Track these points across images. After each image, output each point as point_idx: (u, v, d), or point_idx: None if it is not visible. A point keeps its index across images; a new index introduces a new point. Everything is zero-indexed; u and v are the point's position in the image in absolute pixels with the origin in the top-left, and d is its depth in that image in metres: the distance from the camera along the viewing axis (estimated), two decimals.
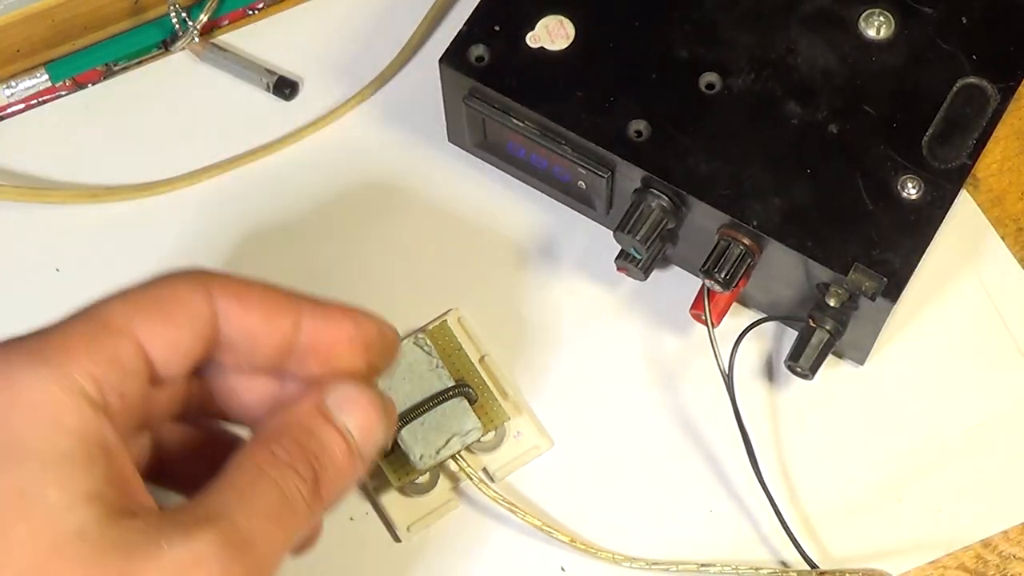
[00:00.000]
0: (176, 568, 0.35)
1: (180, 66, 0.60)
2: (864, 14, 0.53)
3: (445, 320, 0.54)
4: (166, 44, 0.60)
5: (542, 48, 0.53)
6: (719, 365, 0.51)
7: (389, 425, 0.42)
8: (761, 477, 0.51)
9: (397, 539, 0.52)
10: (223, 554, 0.36)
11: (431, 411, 0.51)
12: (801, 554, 0.50)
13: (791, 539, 0.51)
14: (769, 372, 0.54)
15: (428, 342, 0.52)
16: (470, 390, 0.52)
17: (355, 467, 0.41)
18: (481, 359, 0.54)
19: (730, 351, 0.51)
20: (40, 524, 0.35)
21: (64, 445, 0.36)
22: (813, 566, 0.50)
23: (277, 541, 0.38)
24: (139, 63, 0.60)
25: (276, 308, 0.41)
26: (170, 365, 0.40)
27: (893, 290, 0.49)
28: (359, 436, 0.41)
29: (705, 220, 0.51)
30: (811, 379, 0.51)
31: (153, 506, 0.38)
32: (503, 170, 0.57)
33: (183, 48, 0.60)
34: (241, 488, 0.38)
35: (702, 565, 0.51)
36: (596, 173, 0.52)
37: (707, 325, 0.51)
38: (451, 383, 0.52)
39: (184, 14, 0.59)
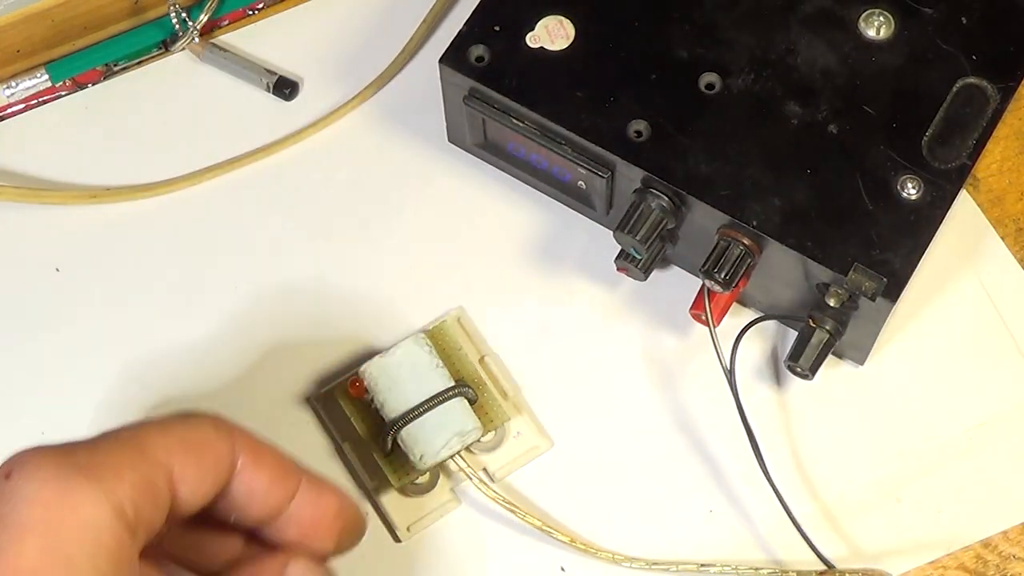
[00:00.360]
0: None
1: (180, 66, 0.60)
2: (864, 14, 0.53)
3: (445, 320, 0.54)
4: (166, 44, 0.60)
5: (542, 48, 0.53)
6: (721, 363, 0.51)
7: None
8: (768, 474, 0.50)
9: (397, 539, 0.52)
10: None
11: (431, 411, 0.51)
12: (815, 552, 0.50)
13: (803, 536, 0.50)
14: (769, 373, 0.54)
15: (428, 342, 0.52)
16: (470, 390, 0.52)
17: None
18: (481, 359, 0.54)
19: (731, 348, 0.51)
20: None
21: (103, 566, 0.37)
22: (829, 565, 0.50)
23: None
24: (139, 63, 0.60)
25: (283, 474, 0.42)
26: (188, 505, 0.40)
27: (893, 290, 0.49)
28: None
29: (705, 220, 0.51)
30: (811, 379, 0.51)
31: None
32: (503, 170, 0.57)
33: (183, 48, 0.60)
34: None
35: (702, 565, 0.51)
36: (596, 173, 0.52)
37: (708, 325, 0.51)
38: (451, 383, 0.52)
39: (184, 14, 0.59)
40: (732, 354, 0.51)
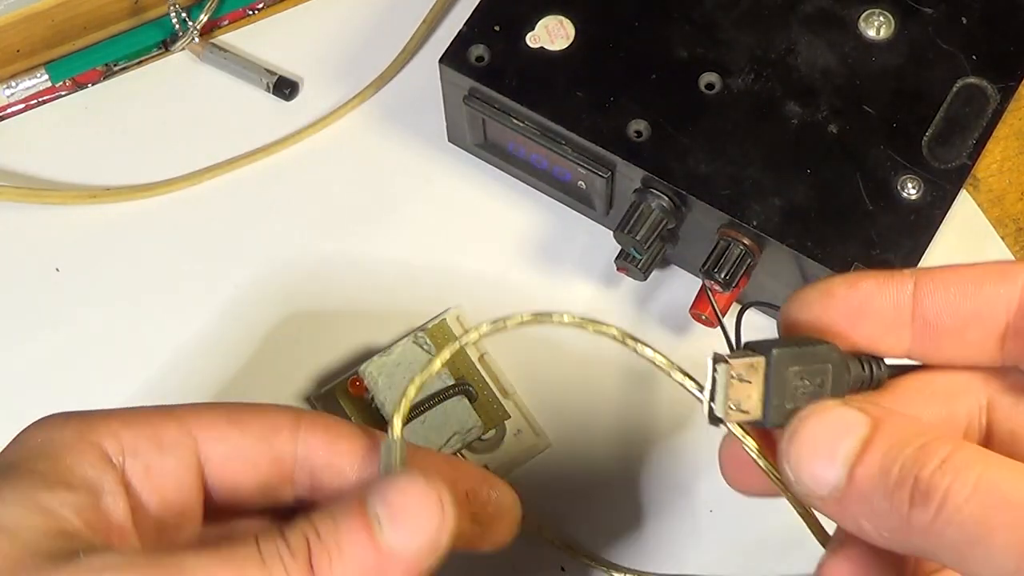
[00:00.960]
0: None
1: (180, 66, 0.60)
2: (864, 14, 0.53)
3: (444, 319, 0.54)
4: (166, 44, 0.60)
5: (542, 48, 0.53)
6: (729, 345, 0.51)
7: (445, 526, 0.36)
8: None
9: None
10: (152, 571, 0.34)
11: (432, 409, 0.51)
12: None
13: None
14: None
15: (428, 341, 0.52)
16: (470, 388, 0.52)
17: (376, 559, 0.36)
18: (481, 357, 0.54)
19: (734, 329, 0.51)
20: None
21: (42, 466, 0.37)
22: None
23: None
24: (139, 63, 0.60)
25: (367, 447, 0.40)
26: (231, 472, 0.39)
27: None
28: (391, 528, 0.36)
29: (705, 220, 0.51)
30: None
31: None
32: (503, 170, 0.57)
33: (183, 48, 0.60)
34: (219, 546, 0.36)
35: None
36: (596, 173, 0.52)
37: (717, 318, 0.51)
38: (451, 382, 0.52)
39: (184, 14, 0.59)
40: (737, 326, 0.51)
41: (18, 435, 0.39)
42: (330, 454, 0.40)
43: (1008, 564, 0.30)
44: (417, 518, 0.36)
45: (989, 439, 0.37)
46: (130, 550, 0.35)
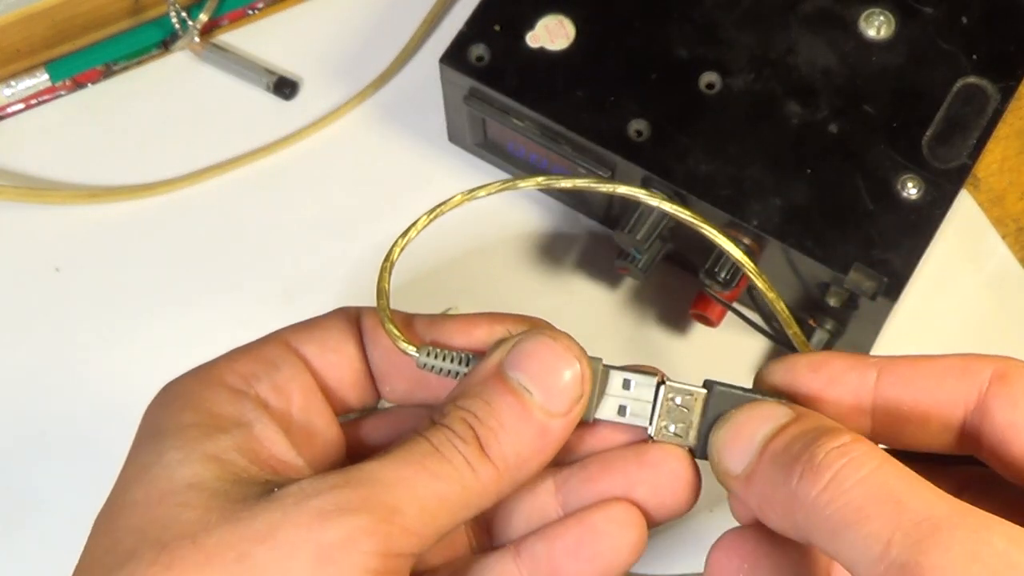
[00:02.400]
0: (298, 521, 0.34)
1: (180, 66, 0.60)
2: (864, 14, 0.53)
3: None
4: (166, 44, 0.60)
5: (542, 48, 0.53)
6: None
7: (583, 372, 0.38)
8: None
9: None
10: (355, 505, 0.35)
11: None
12: None
13: None
14: None
15: None
16: None
17: (537, 425, 0.38)
18: None
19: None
20: (153, 480, 0.36)
21: (189, 419, 0.37)
22: None
23: (425, 492, 0.36)
24: (139, 63, 0.60)
25: (408, 327, 0.41)
26: (330, 365, 0.40)
27: (893, 290, 0.49)
28: (540, 392, 0.38)
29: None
30: None
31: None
32: (503, 170, 0.57)
33: (183, 48, 0.60)
34: (391, 451, 0.37)
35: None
36: (596, 173, 0.52)
37: (725, 305, 0.51)
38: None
39: (184, 14, 0.59)
40: None
41: (150, 406, 0.39)
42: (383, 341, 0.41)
43: (874, 550, 0.31)
44: (558, 375, 0.38)
45: None
46: (316, 475, 0.36)
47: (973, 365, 0.37)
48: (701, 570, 0.51)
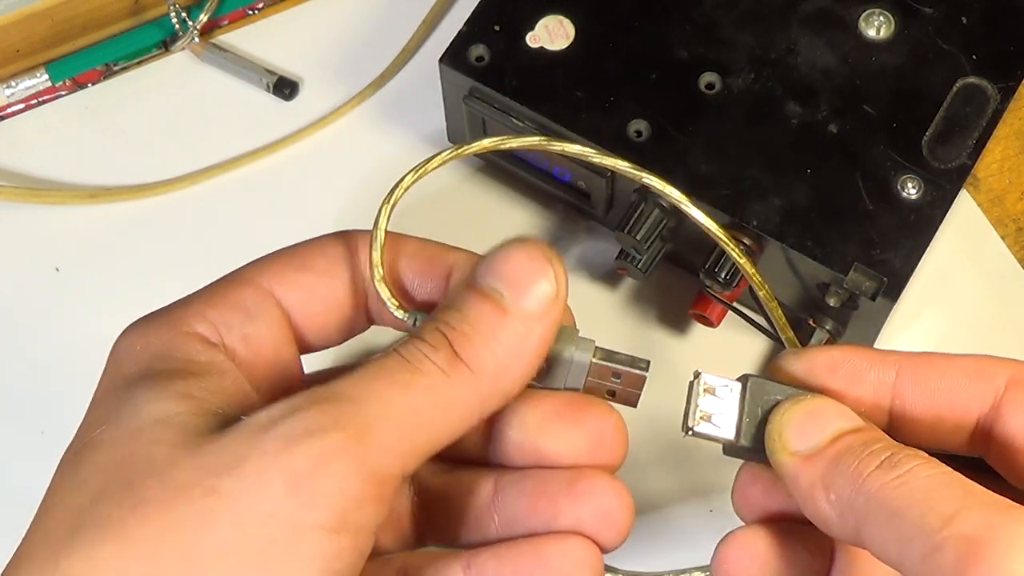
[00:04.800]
0: (264, 448, 0.33)
1: (180, 66, 0.60)
2: (864, 14, 0.53)
3: None
4: (166, 44, 0.60)
5: (542, 48, 0.53)
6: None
7: (556, 272, 0.37)
8: None
9: None
10: (323, 425, 0.33)
11: None
12: None
13: None
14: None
15: None
16: None
17: (513, 326, 0.36)
18: None
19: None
20: (122, 419, 0.35)
21: (162, 365, 0.36)
22: None
23: (397, 405, 0.34)
24: (139, 63, 0.60)
25: (428, 254, 0.40)
26: (313, 315, 0.39)
27: (893, 290, 0.49)
28: (513, 292, 0.36)
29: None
30: None
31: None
32: (504, 170, 0.57)
33: (183, 48, 0.60)
34: (360, 368, 0.35)
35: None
36: (596, 173, 0.52)
37: (725, 304, 0.51)
38: None
39: (184, 14, 0.59)
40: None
41: (114, 349, 0.38)
42: (394, 267, 0.40)
43: (935, 523, 0.31)
44: (532, 275, 0.37)
45: None
46: (280, 400, 0.35)
47: (990, 368, 0.37)
48: (691, 566, 0.51)
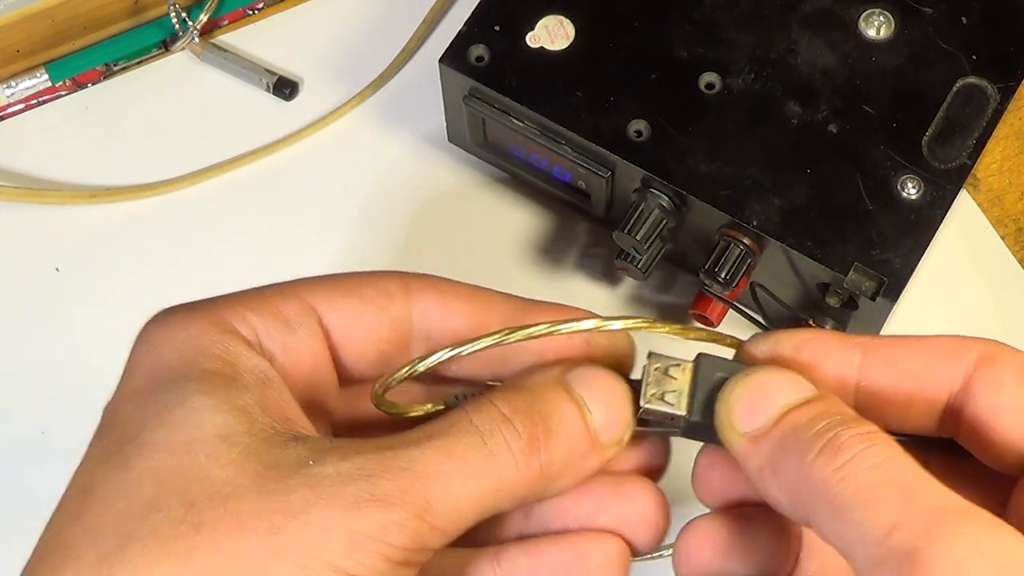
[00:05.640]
0: (331, 503, 0.33)
1: (180, 66, 0.60)
2: (864, 14, 0.53)
3: None
4: (166, 44, 0.60)
5: (542, 48, 0.53)
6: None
7: (631, 417, 0.38)
8: None
9: None
10: (391, 497, 0.34)
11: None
12: None
13: None
14: None
15: None
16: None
17: (590, 448, 0.37)
18: None
19: None
20: (179, 426, 0.35)
21: (212, 366, 0.36)
22: None
23: (460, 490, 0.35)
24: (139, 63, 0.60)
25: (482, 305, 0.40)
26: (352, 340, 0.39)
27: (893, 290, 0.49)
28: (599, 417, 0.37)
29: (705, 220, 0.51)
30: None
31: (324, 439, 0.36)
32: (503, 170, 0.57)
33: (183, 48, 0.60)
34: (432, 430, 0.36)
35: None
36: (596, 173, 0.52)
37: (726, 303, 0.51)
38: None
39: (184, 14, 0.59)
40: None
41: (149, 334, 0.38)
42: (444, 315, 0.40)
43: (877, 532, 0.31)
44: (618, 406, 0.38)
45: None
46: (352, 451, 0.35)
47: (960, 348, 0.36)
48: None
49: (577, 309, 0.40)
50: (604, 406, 0.38)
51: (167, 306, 0.38)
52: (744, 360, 0.38)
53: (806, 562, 0.39)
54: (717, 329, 0.37)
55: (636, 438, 0.39)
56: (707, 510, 0.39)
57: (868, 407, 0.37)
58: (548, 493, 0.38)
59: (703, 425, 0.37)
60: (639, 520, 0.39)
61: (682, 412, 0.38)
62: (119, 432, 0.36)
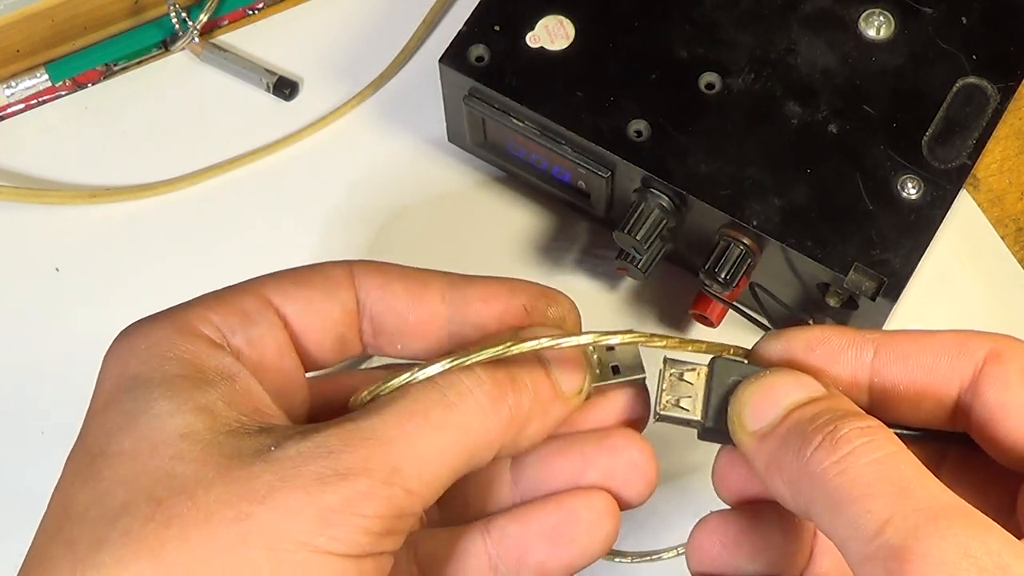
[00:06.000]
0: (295, 484, 0.34)
1: (180, 66, 0.60)
2: (864, 14, 0.53)
3: None
4: (166, 44, 0.60)
5: (542, 48, 0.53)
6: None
7: (587, 369, 0.39)
8: None
9: None
10: (354, 468, 0.34)
11: None
12: None
13: None
14: None
15: None
16: None
17: (554, 394, 0.38)
18: None
19: None
20: (142, 430, 0.35)
21: (174, 369, 0.37)
22: None
23: (426, 447, 0.35)
24: (139, 63, 0.60)
25: (419, 283, 0.41)
26: (310, 327, 0.40)
27: (893, 290, 0.49)
28: (556, 368, 0.39)
29: (705, 220, 0.51)
30: None
31: (289, 426, 0.37)
32: (503, 170, 0.57)
33: (183, 48, 0.60)
34: (395, 399, 0.36)
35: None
36: (596, 173, 0.52)
37: (725, 303, 0.51)
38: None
39: (184, 14, 0.59)
40: None
41: (114, 349, 0.39)
42: (386, 296, 0.41)
43: (870, 528, 0.32)
44: (570, 357, 0.39)
45: None
46: (312, 430, 0.35)
47: (969, 343, 0.37)
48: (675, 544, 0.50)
49: (514, 280, 0.41)
50: (558, 357, 0.38)
51: (132, 321, 0.39)
52: (757, 361, 0.38)
53: (820, 558, 0.39)
54: (716, 340, 0.38)
55: (613, 389, 0.40)
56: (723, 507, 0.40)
57: (881, 402, 0.37)
58: (521, 443, 0.38)
59: (717, 429, 0.38)
60: (628, 470, 0.40)
61: (697, 417, 0.38)
62: (90, 445, 0.36)
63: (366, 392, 0.38)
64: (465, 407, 0.36)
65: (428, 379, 0.37)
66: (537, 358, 0.38)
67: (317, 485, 0.34)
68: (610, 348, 0.40)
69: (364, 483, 0.34)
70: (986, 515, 0.32)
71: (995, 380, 0.36)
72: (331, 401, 0.41)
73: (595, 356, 0.40)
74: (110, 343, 0.39)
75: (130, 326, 0.39)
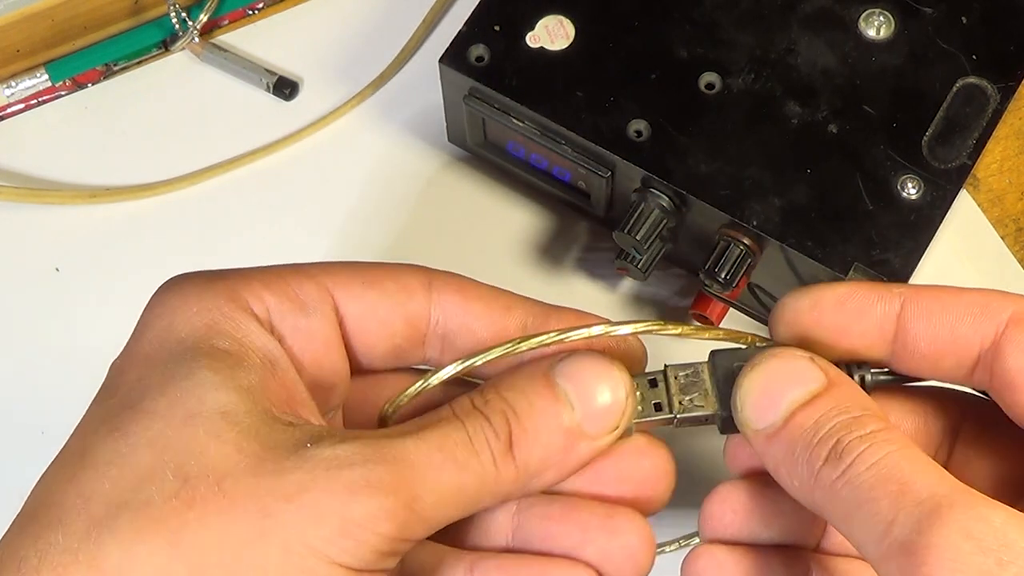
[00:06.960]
0: (327, 487, 0.34)
1: (180, 66, 0.60)
2: (864, 14, 0.53)
3: None
4: (166, 44, 0.60)
5: (542, 48, 0.53)
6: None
7: (624, 406, 0.38)
8: None
9: None
10: (384, 485, 0.34)
11: None
12: None
13: None
14: None
15: None
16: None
17: (568, 439, 0.37)
18: None
19: None
20: (181, 398, 0.35)
21: (222, 343, 0.36)
22: None
23: (447, 482, 0.35)
24: (139, 63, 0.60)
25: (502, 307, 0.40)
26: (366, 331, 0.39)
27: None
28: (581, 408, 0.38)
29: (705, 220, 0.51)
30: None
31: (324, 426, 0.36)
32: (503, 170, 0.57)
33: (183, 48, 0.60)
34: (424, 422, 0.36)
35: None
36: (596, 173, 0.52)
37: (725, 302, 0.51)
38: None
39: (184, 14, 0.59)
40: None
41: (163, 300, 0.38)
42: (464, 315, 0.40)
43: (879, 530, 0.32)
44: (604, 397, 0.38)
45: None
46: (350, 436, 0.35)
47: (993, 304, 0.37)
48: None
49: (595, 316, 0.40)
50: (588, 398, 0.38)
51: (183, 272, 0.38)
52: (785, 314, 0.38)
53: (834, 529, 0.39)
54: (731, 327, 0.38)
55: (641, 440, 0.40)
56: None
57: (902, 355, 0.38)
58: (534, 487, 0.38)
59: (732, 418, 0.38)
60: (623, 558, 0.39)
61: (712, 411, 0.39)
62: (122, 396, 0.36)
63: (388, 405, 0.38)
64: (484, 457, 0.36)
65: (456, 417, 0.37)
66: (558, 397, 0.37)
67: (347, 493, 0.34)
68: (654, 385, 0.39)
69: (390, 502, 0.34)
70: (1005, 480, 0.33)
71: (1016, 345, 0.36)
72: (361, 403, 0.41)
73: (638, 393, 0.39)
74: (111, 341, 0.39)
75: (181, 279, 0.38)
